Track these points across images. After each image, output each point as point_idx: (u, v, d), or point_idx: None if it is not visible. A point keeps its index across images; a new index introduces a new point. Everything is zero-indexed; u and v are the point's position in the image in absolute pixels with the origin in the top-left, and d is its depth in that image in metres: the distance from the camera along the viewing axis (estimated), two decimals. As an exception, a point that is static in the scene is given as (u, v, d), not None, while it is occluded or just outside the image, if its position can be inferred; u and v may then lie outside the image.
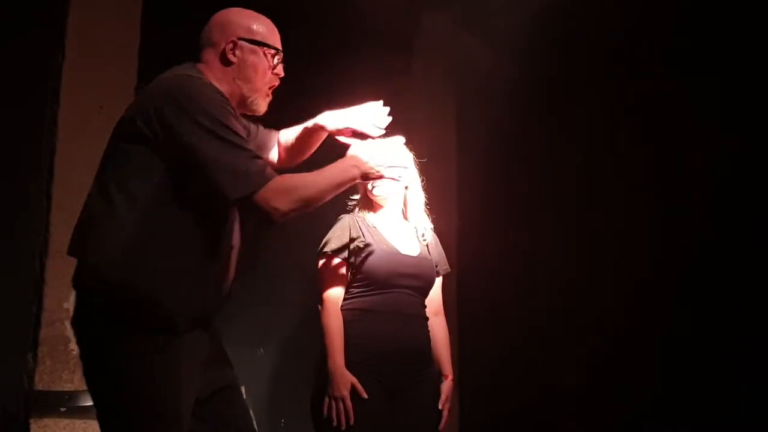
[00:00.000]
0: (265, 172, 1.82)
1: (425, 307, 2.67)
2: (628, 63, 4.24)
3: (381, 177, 2.10)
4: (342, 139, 2.25)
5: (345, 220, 2.64)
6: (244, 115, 2.09)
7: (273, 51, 2.02)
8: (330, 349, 2.44)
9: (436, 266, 2.73)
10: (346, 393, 2.38)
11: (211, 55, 2.01)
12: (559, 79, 4.50)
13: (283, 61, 2.05)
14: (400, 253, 2.61)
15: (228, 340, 2.08)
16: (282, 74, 2.05)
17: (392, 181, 2.31)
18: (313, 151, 2.34)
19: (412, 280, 2.60)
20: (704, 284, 3.84)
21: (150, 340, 1.79)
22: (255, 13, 2.07)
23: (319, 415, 2.42)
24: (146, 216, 1.81)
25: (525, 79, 4.55)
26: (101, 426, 1.84)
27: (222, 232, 1.92)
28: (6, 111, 3.11)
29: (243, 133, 1.89)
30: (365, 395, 2.40)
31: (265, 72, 2.01)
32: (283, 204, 1.83)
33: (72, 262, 3.05)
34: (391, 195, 2.69)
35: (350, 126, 2.21)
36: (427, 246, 2.73)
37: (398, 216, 2.74)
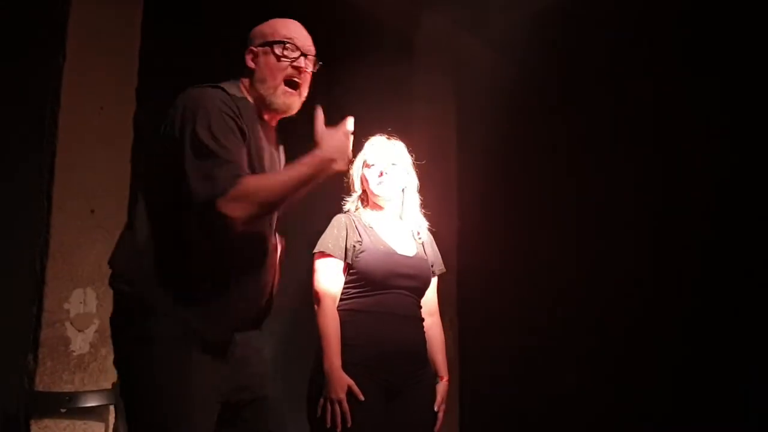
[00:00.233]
0: (231, 179, 1.78)
1: (421, 307, 2.66)
2: (629, 63, 4.24)
3: (345, 171, 2.02)
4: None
5: (341, 219, 2.62)
6: (283, 121, 2.10)
7: (281, 45, 2.02)
8: (326, 351, 2.41)
9: (432, 266, 2.72)
10: (342, 395, 2.35)
11: (243, 70, 2.06)
12: (559, 79, 4.51)
13: (303, 52, 2.04)
14: (397, 254, 2.60)
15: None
16: (293, 59, 2.02)
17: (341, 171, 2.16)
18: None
19: (408, 281, 2.58)
20: (704, 284, 3.85)
21: (157, 343, 1.84)
22: (273, 20, 2.10)
23: (315, 417, 2.40)
24: (158, 226, 1.87)
25: (525, 79, 4.56)
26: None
27: (235, 243, 1.90)
28: (6, 111, 3.11)
29: (234, 146, 1.85)
30: (362, 397, 2.37)
31: (275, 66, 2.01)
32: (239, 212, 1.77)
33: (72, 263, 3.08)
34: (394, 196, 2.69)
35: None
36: (422, 246, 2.72)
37: (395, 216, 2.73)
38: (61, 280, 3.05)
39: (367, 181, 2.68)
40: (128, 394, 1.90)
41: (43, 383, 2.97)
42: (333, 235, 2.56)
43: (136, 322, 1.87)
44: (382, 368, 2.46)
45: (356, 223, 2.61)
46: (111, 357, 3.09)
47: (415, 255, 2.66)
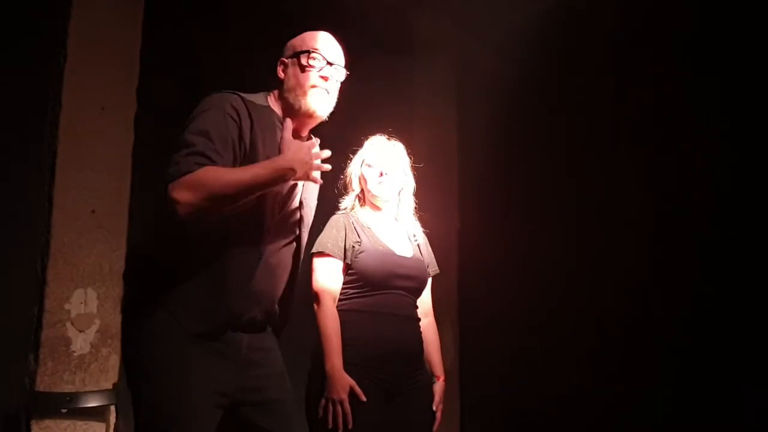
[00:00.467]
0: (191, 166, 1.80)
1: (417, 308, 2.66)
2: (629, 63, 4.24)
3: (308, 178, 2.00)
4: None
5: (339, 219, 2.61)
6: (318, 126, 2.13)
7: (307, 54, 2.07)
8: (327, 351, 2.40)
9: (427, 267, 2.72)
10: (344, 396, 2.35)
11: (276, 82, 2.12)
12: (560, 79, 4.51)
13: (329, 61, 2.08)
14: (396, 254, 2.60)
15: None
16: (319, 68, 2.06)
17: (316, 183, 2.12)
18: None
19: (407, 282, 2.58)
20: (704, 284, 3.85)
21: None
22: (306, 32, 2.15)
23: (315, 417, 2.39)
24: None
25: (525, 79, 4.56)
26: None
27: (233, 240, 1.93)
28: (7, 112, 3.11)
29: (219, 146, 1.87)
30: (364, 398, 2.37)
31: (302, 75, 2.06)
32: (186, 197, 1.77)
33: (73, 263, 3.08)
34: (392, 197, 2.69)
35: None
36: (418, 246, 2.73)
37: (391, 217, 2.72)
38: (62, 280, 3.05)
39: (366, 180, 2.67)
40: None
41: (43, 383, 2.97)
42: (332, 236, 2.55)
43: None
44: (383, 368, 2.46)
45: (354, 223, 2.60)
46: (112, 357, 3.12)
47: (413, 256, 2.66)
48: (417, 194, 2.79)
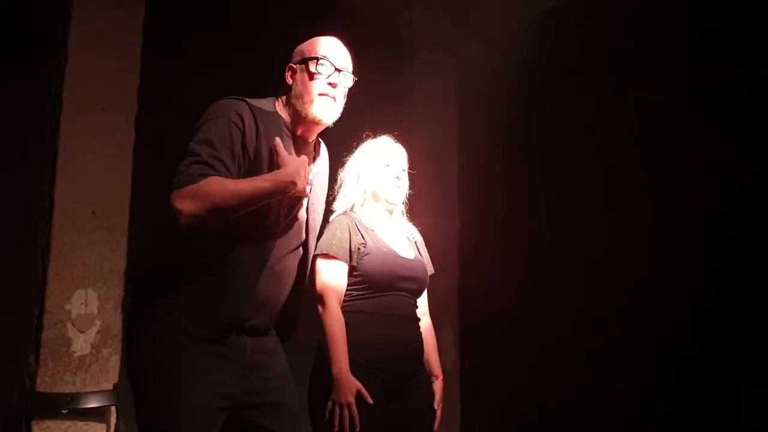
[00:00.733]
0: (195, 176, 1.82)
1: (417, 308, 2.66)
2: (629, 63, 4.25)
3: (304, 194, 2.03)
4: None
5: (343, 220, 2.58)
6: (324, 133, 2.15)
7: (315, 61, 2.07)
8: (334, 354, 2.37)
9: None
10: (352, 399, 2.33)
11: (284, 89, 2.13)
12: (561, 80, 4.51)
13: (337, 67, 2.08)
14: (399, 256, 2.60)
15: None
16: (327, 75, 2.06)
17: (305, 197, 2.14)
18: None
19: (410, 283, 2.58)
20: (704, 284, 3.85)
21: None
22: (315, 38, 2.15)
23: (321, 419, 2.38)
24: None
25: (526, 80, 4.56)
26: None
27: (238, 246, 1.94)
28: (8, 112, 3.11)
29: (223, 155, 1.88)
30: (370, 401, 2.35)
31: (309, 82, 2.06)
32: (189, 207, 1.79)
33: (74, 264, 3.08)
34: (400, 202, 2.69)
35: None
36: (417, 247, 2.73)
37: (391, 218, 2.71)
38: (63, 280, 3.05)
39: (382, 182, 2.64)
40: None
41: (44, 384, 2.97)
42: (336, 237, 2.53)
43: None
44: (387, 370, 2.46)
45: (357, 224, 2.59)
46: (112, 358, 3.12)
47: (415, 257, 2.66)
48: (417, 194, 2.79)
